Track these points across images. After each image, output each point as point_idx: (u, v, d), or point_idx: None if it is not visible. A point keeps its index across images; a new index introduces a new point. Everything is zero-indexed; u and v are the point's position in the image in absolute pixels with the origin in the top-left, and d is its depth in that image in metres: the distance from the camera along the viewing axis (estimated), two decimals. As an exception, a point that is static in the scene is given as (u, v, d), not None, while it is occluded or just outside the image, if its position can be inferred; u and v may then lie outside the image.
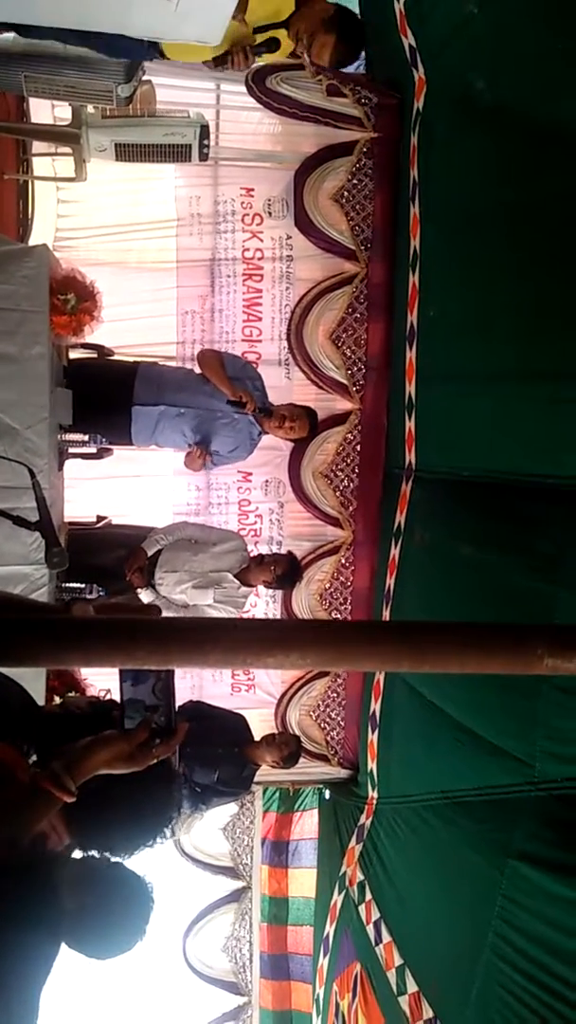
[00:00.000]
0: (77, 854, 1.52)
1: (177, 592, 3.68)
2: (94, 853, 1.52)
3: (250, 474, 4.31)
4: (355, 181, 3.99)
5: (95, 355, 3.95)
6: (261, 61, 3.49)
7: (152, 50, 3.19)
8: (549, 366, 2.49)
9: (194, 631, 1.10)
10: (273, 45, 3.12)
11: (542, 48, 2.48)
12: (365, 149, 3.93)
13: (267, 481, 4.33)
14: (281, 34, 3.14)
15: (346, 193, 4.01)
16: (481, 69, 2.85)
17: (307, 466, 4.21)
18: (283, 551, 4.24)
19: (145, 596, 3.69)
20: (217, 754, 3.72)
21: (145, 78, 3.65)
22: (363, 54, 3.93)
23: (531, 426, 2.64)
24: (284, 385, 4.23)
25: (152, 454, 4.21)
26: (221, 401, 3.71)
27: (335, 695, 4.33)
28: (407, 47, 3.36)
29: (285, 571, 3.83)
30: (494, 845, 2.69)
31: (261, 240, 4.19)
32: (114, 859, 1.54)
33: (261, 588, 4.07)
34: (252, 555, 3.92)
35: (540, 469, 2.64)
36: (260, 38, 3.12)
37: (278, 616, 4.32)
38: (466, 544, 3.08)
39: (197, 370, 3.87)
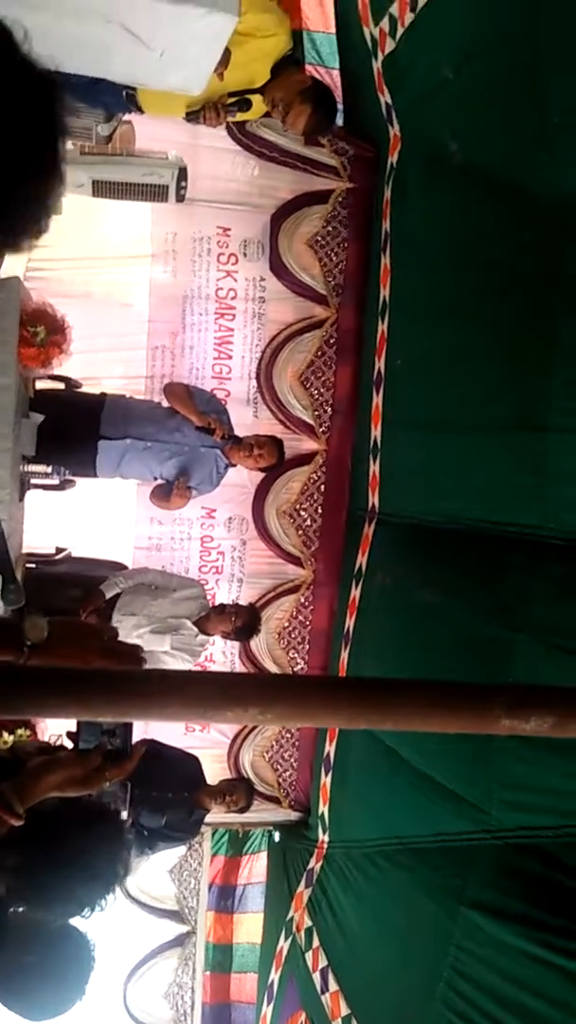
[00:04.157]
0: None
1: (133, 636, 3.62)
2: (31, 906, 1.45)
3: (214, 510, 4.31)
4: (330, 228, 4.08)
5: (62, 386, 3.94)
6: (233, 120, 3.54)
7: (130, 103, 3.24)
8: (511, 416, 2.55)
9: (153, 683, 1.08)
10: (245, 105, 3.17)
11: (512, 116, 2.59)
12: (340, 198, 4.03)
13: (231, 518, 4.33)
14: (255, 98, 3.19)
15: (320, 239, 4.10)
16: (454, 131, 2.96)
17: (271, 504, 4.23)
18: (243, 589, 4.24)
19: None
20: (167, 798, 3.65)
21: (125, 118, 3.71)
22: (340, 106, 4.05)
23: (493, 475, 2.70)
24: (252, 423, 4.26)
25: (115, 485, 4.18)
26: (188, 435, 3.71)
27: (289, 736, 4.30)
28: (383, 104, 3.47)
29: (245, 623, 3.78)
30: (448, 892, 2.68)
31: (235, 280, 4.24)
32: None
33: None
34: (213, 604, 3.89)
35: (500, 517, 2.70)
36: (234, 98, 3.16)
37: (235, 656, 4.29)
38: (426, 589, 3.11)
39: (165, 404, 3.87)
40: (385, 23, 3.22)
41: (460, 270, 2.92)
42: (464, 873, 2.63)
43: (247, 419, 4.25)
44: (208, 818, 4.02)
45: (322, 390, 4.18)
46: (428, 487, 3.21)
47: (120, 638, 3.68)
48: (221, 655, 4.30)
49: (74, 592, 3.64)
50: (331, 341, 4.14)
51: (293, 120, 3.36)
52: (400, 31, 3.13)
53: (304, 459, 4.21)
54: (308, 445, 4.23)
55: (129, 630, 3.62)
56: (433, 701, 1.07)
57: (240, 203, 4.19)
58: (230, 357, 4.29)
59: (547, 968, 2.24)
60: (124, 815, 1.64)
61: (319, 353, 4.17)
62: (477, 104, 2.82)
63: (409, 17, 3.04)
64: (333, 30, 3.93)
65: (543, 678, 2.42)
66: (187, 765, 3.86)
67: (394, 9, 3.11)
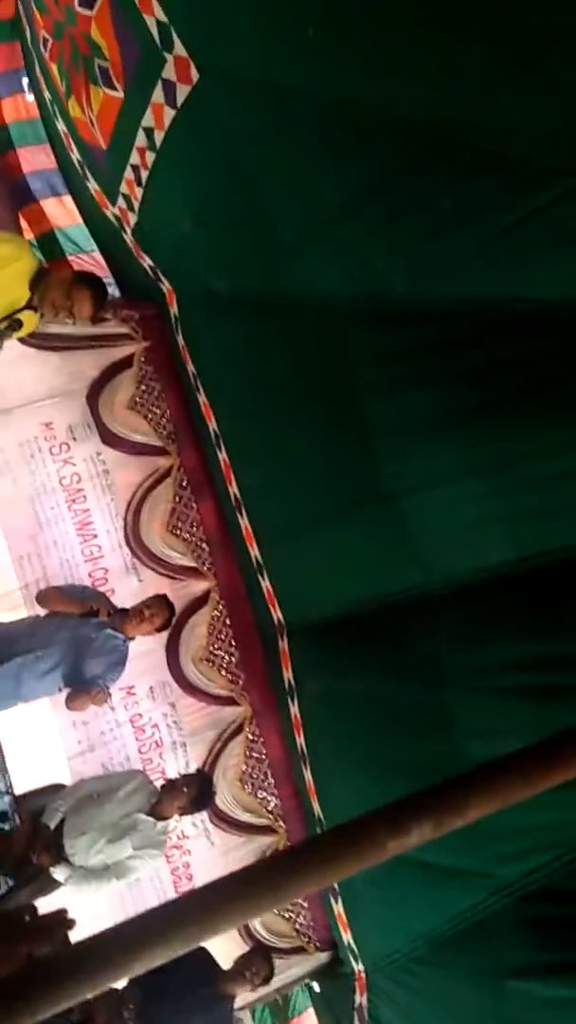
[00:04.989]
0: None
1: (93, 856, 3.43)
2: None
3: (132, 686, 4.21)
4: (144, 387, 4.26)
5: None
6: (10, 342, 3.68)
7: None
8: (359, 496, 2.68)
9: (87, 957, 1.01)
10: (17, 326, 3.33)
11: (256, 244, 2.85)
12: (143, 358, 4.23)
13: (151, 687, 4.23)
14: (24, 315, 3.34)
15: (139, 399, 4.25)
16: (213, 271, 3.21)
17: (185, 656, 4.18)
18: (190, 752, 4.11)
19: (60, 873, 3.41)
20: (186, 1007, 3.36)
21: None
22: (111, 279, 4.32)
23: (365, 553, 2.80)
24: (138, 588, 4.24)
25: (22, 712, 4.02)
26: (75, 628, 3.66)
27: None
28: (147, 267, 3.74)
29: (198, 790, 3.65)
30: (484, 974, 2.58)
31: (74, 464, 4.31)
32: None
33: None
34: (161, 784, 3.74)
35: (388, 588, 2.78)
36: (3, 323, 3.30)
37: (206, 823, 4.10)
38: (351, 680, 3.13)
39: (43, 612, 3.82)
40: (121, 202, 3.51)
41: (266, 387, 3.11)
42: (492, 947, 2.55)
43: (133, 586, 4.23)
44: (241, 1001, 3.73)
45: (192, 530, 4.24)
46: (316, 584, 3.28)
47: (80, 864, 3.45)
48: (192, 827, 4.10)
49: (17, 835, 3.43)
50: (184, 484, 4.24)
51: (79, 310, 3.54)
52: (136, 204, 3.42)
53: (200, 601, 4.21)
54: (199, 586, 4.25)
55: (86, 850, 3.41)
56: (317, 858, 1.07)
57: (54, 395, 4.32)
58: (96, 536, 4.31)
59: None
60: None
61: (177, 499, 4.25)
62: (223, 243, 3.09)
63: (139, 192, 3.33)
64: (80, 221, 4.25)
65: (491, 723, 2.46)
66: (196, 960, 3.56)
67: (123, 188, 3.41)
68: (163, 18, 2.47)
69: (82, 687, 3.63)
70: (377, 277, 2.57)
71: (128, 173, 3.26)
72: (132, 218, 3.52)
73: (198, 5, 2.36)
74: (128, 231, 3.61)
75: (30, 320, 3.37)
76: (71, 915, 1.92)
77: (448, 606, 2.60)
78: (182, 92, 2.62)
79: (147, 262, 3.71)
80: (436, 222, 2.28)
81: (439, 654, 2.61)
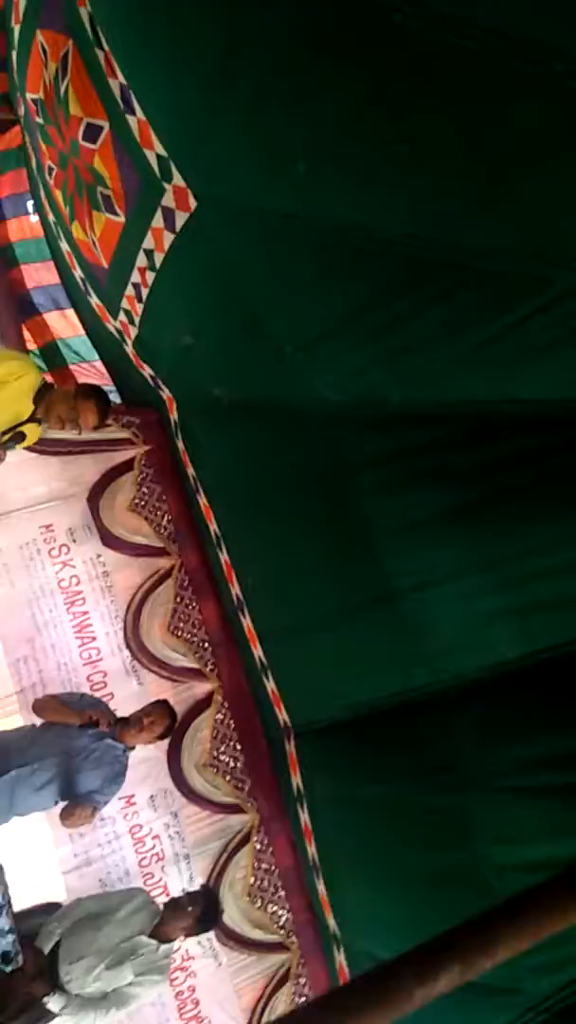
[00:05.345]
0: None
1: (91, 983, 3.22)
2: None
3: (132, 796, 4.08)
4: (144, 489, 4.31)
5: None
6: (13, 453, 3.77)
7: None
8: (361, 598, 2.69)
9: None
10: (20, 438, 3.41)
11: (254, 355, 2.96)
12: (143, 461, 4.30)
13: (152, 796, 4.10)
14: (27, 428, 3.43)
15: (139, 501, 4.30)
16: (212, 380, 3.31)
17: (187, 762, 4.07)
18: (194, 864, 3.95)
19: (55, 1003, 3.21)
20: None
21: None
22: (112, 387, 4.44)
23: (371, 654, 2.79)
24: (138, 691, 4.18)
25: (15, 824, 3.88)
26: (74, 738, 3.58)
27: (302, 997, 3.87)
28: (147, 376, 3.85)
29: (205, 909, 3.48)
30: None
31: (73, 567, 4.32)
32: None
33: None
34: (163, 903, 3.57)
35: (395, 688, 2.75)
36: (6, 436, 3.39)
37: (212, 941, 3.90)
38: (363, 784, 3.05)
39: (39, 722, 3.75)
40: (122, 316, 3.65)
41: (266, 490, 3.16)
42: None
43: (133, 689, 4.17)
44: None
45: (194, 631, 4.21)
46: (322, 685, 3.24)
47: (77, 992, 3.24)
48: (197, 947, 3.90)
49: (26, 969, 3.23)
50: (185, 584, 4.24)
51: (84, 420, 3.63)
52: (137, 318, 3.55)
53: (203, 704, 4.14)
54: (202, 688, 4.18)
55: (83, 977, 3.20)
56: (343, 1013, 1.02)
57: (54, 499, 4.37)
58: (94, 638, 4.27)
59: None
60: None
61: (178, 599, 4.24)
62: (221, 355, 3.20)
63: (139, 307, 3.47)
64: (82, 332, 4.40)
65: (512, 827, 2.39)
66: None
67: (124, 304, 3.55)
68: (162, 152, 2.63)
69: (79, 801, 3.52)
70: (371, 385, 2.66)
71: (129, 290, 3.40)
72: (133, 331, 3.65)
73: (194, 142, 2.52)
74: (129, 343, 3.73)
75: (33, 432, 3.45)
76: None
77: (460, 704, 2.57)
78: (181, 218, 2.76)
79: (147, 371, 3.82)
80: (424, 334, 2.39)
81: (453, 755, 2.56)
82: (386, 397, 2.62)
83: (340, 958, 3.54)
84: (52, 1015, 3.27)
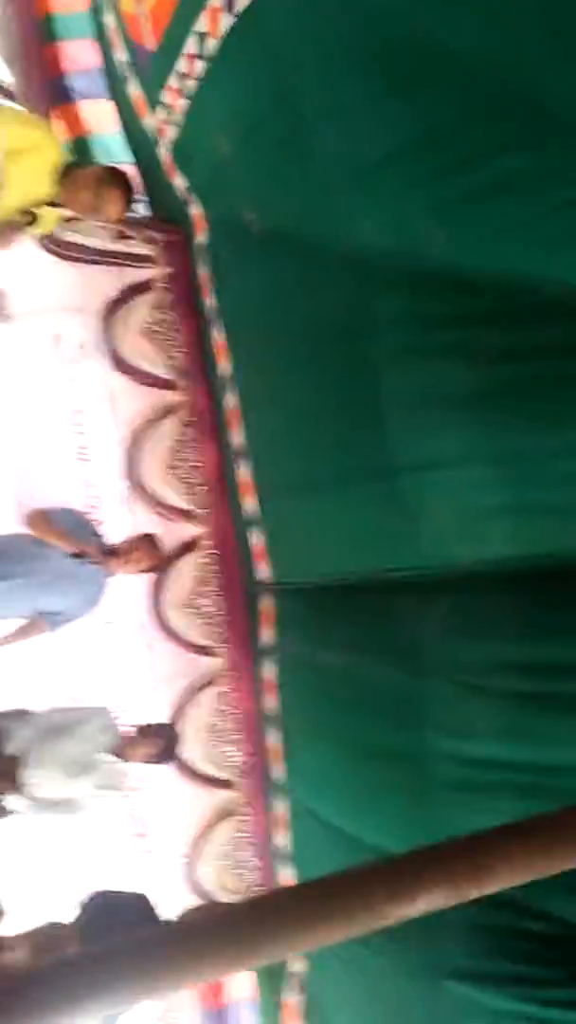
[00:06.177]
0: None
1: (50, 789, 3.36)
2: None
3: (111, 621, 4.12)
4: (160, 315, 4.05)
5: None
6: (30, 245, 3.51)
7: None
8: (363, 467, 2.52)
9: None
10: (32, 219, 3.14)
11: (295, 179, 2.63)
12: (163, 284, 4.01)
13: (130, 625, 4.14)
14: (42, 211, 3.16)
15: (154, 327, 4.05)
16: (247, 200, 2.99)
17: (166, 600, 4.08)
18: (159, 696, 4.03)
19: (14, 803, 3.35)
20: None
21: None
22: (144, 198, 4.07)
23: (363, 525, 2.65)
24: (128, 522, 4.13)
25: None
26: (60, 558, 3.54)
27: (243, 834, 4.06)
28: (179, 187, 3.50)
29: (164, 743, 3.60)
30: (426, 969, 2.51)
31: (80, 384, 4.15)
32: None
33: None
34: (131, 730, 3.67)
35: (381, 565, 2.64)
36: (19, 217, 3.13)
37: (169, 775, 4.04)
38: (329, 650, 3.01)
39: (28, 531, 3.70)
40: (161, 112, 3.26)
41: (285, 333, 2.92)
42: (440, 944, 2.47)
43: (123, 519, 4.11)
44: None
45: (191, 473, 4.08)
46: (309, 548, 3.14)
47: (35, 792, 3.39)
48: (152, 772, 4.04)
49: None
50: (188, 423, 4.07)
51: (108, 209, 3.36)
52: (176, 117, 3.17)
53: (189, 546, 4.09)
54: (191, 531, 4.12)
55: (44, 782, 3.35)
56: (299, 913, 0.89)
57: (67, 308, 4.13)
58: (92, 461, 4.17)
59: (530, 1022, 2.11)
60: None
61: (180, 437, 4.09)
62: (262, 172, 2.86)
63: (181, 104, 3.09)
64: (116, 129, 3.98)
65: (462, 721, 2.34)
66: (138, 906, 3.50)
67: (166, 97, 3.16)
68: None
69: (44, 619, 3.55)
70: (415, 235, 2.36)
71: (173, 80, 3.02)
72: (170, 131, 3.27)
73: None
74: (164, 145, 3.36)
75: (49, 218, 3.18)
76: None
77: (441, 594, 2.46)
78: (242, -1, 2.38)
79: (180, 182, 3.46)
80: (489, 185, 2.07)
81: (423, 642, 2.48)
82: (427, 252, 2.32)
83: (282, 807, 3.65)
84: (8, 813, 3.43)
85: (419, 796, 2.50)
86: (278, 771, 3.64)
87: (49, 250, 3.89)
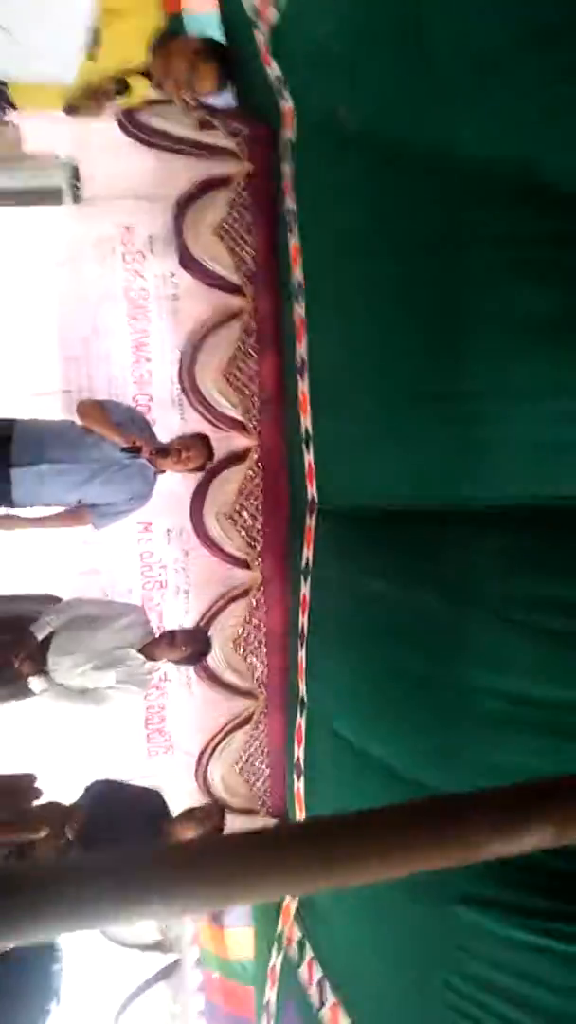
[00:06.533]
0: None
1: (75, 676, 3.42)
2: None
3: (150, 524, 4.12)
4: (235, 214, 3.91)
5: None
6: (109, 125, 3.39)
7: (1, 101, 3.05)
8: (430, 389, 2.43)
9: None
10: (123, 87, 3.02)
11: (402, 77, 2.45)
12: (242, 181, 3.86)
13: (169, 529, 4.15)
14: (134, 80, 3.04)
15: (227, 227, 3.92)
16: (345, 95, 2.81)
17: (210, 508, 4.06)
18: (191, 601, 4.06)
19: (36, 684, 3.42)
20: (124, 840, 3.42)
21: (6, 119, 3.51)
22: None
23: (420, 450, 2.57)
24: (179, 426, 4.09)
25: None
26: (110, 449, 3.52)
27: (258, 743, 4.14)
28: (272, 77, 3.32)
29: (195, 650, 3.63)
30: (434, 893, 2.54)
31: (144, 278, 4.06)
32: None
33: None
34: (161, 633, 3.71)
35: (434, 492, 2.57)
36: (110, 83, 3.01)
37: (190, 671, 4.10)
38: (371, 576, 2.97)
39: (79, 420, 3.67)
40: (264, -10, 3.07)
41: (367, 242, 2.78)
42: (451, 869, 2.49)
43: (174, 422, 4.07)
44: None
45: (247, 383, 4.01)
46: (363, 470, 3.07)
47: (60, 681, 3.44)
48: (176, 672, 4.12)
49: (2, 637, 3.42)
50: (250, 331, 3.98)
51: (201, 82, 3.24)
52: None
53: (238, 457, 4.04)
54: (240, 442, 4.07)
55: (69, 670, 3.41)
56: (394, 841, 0.83)
57: (140, 197, 4.00)
58: (149, 360, 4.11)
59: (544, 954, 2.12)
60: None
61: (240, 345, 4.00)
62: (365, 65, 2.67)
63: (286, -18, 2.90)
64: (213, 8, 3.77)
65: (502, 655, 2.30)
66: (149, 800, 3.61)
67: (270, -24, 2.96)
68: None
69: (91, 510, 3.55)
70: (524, 143, 2.19)
71: (281, -43, 2.83)
72: (271, 14, 3.08)
73: None
74: (263, 28, 3.17)
75: (140, 87, 3.06)
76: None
77: (494, 527, 2.38)
78: None
79: (274, 71, 3.28)
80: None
81: (470, 573, 2.42)
82: (536, 163, 2.16)
83: (301, 721, 3.70)
84: (31, 694, 3.51)
85: (446, 723, 2.48)
86: (301, 686, 3.68)
87: (129, 132, 3.74)
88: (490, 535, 2.35)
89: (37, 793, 1.45)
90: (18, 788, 1.44)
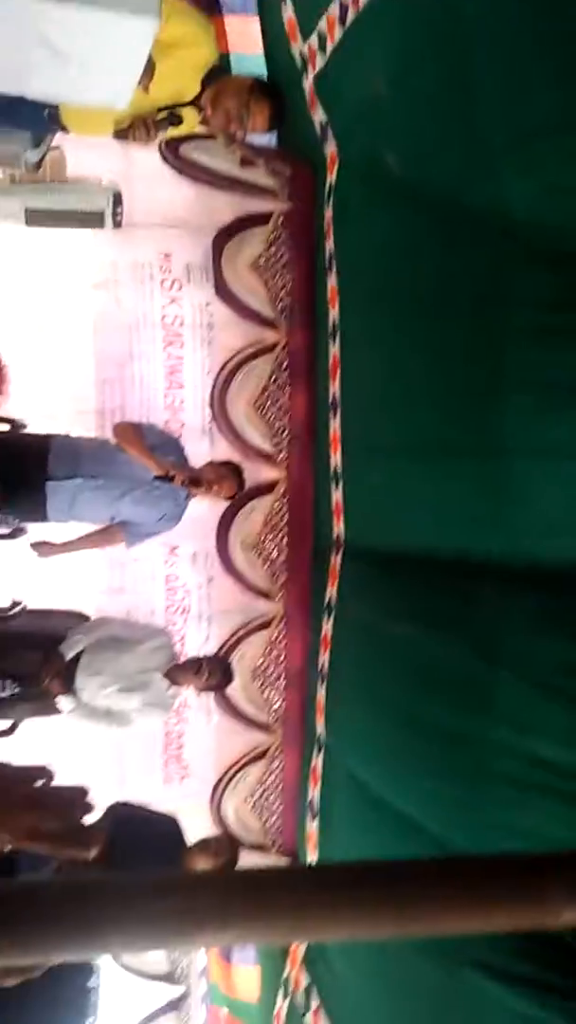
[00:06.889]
0: None
1: (101, 697, 3.45)
2: None
3: (177, 547, 4.15)
4: (273, 250, 3.96)
5: (6, 429, 3.76)
6: (165, 137, 3.44)
7: (52, 123, 3.11)
8: (468, 442, 2.44)
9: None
10: (176, 120, 3.07)
11: (448, 132, 2.48)
12: (281, 219, 3.91)
13: (195, 554, 4.17)
14: (185, 112, 3.09)
15: (264, 262, 3.97)
16: (391, 147, 2.84)
17: (235, 536, 4.08)
18: (213, 628, 4.08)
19: (65, 704, 3.46)
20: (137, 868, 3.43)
21: (54, 143, 3.57)
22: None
23: (456, 501, 2.58)
24: (208, 454, 4.12)
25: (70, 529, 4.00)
26: (142, 470, 3.57)
27: (272, 779, 4.13)
28: (317, 123, 3.36)
29: (220, 679, 3.66)
30: (446, 952, 2.52)
31: (180, 306, 4.11)
32: None
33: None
34: (187, 660, 3.74)
35: (467, 545, 2.57)
36: (162, 113, 3.06)
37: (210, 699, 4.10)
38: (398, 621, 2.98)
39: (114, 440, 3.72)
40: (314, 39, 3.11)
41: (407, 291, 2.80)
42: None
43: (203, 450, 4.11)
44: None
45: (278, 416, 4.04)
46: (392, 514, 3.08)
47: (86, 701, 3.48)
48: (196, 699, 4.12)
49: (32, 656, 3.46)
50: (283, 365, 4.01)
51: (253, 120, 3.28)
52: (330, 46, 3.02)
53: (265, 489, 4.07)
54: (268, 474, 4.09)
55: (95, 691, 3.44)
56: (472, 894, 0.80)
57: (179, 227, 4.05)
58: (181, 387, 4.15)
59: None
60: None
61: (272, 378, 4.04)
62: (413, 119, 2.70)
63: (339, 32, 2.93)
64: (260, 51, 3.82)
65: (527, 716, 2.29)
66: (167, 827, 3.61)
67: (322, 25, 3.00)
68: None
69: (122, 528, 3.59)
70: (569, 209, 2.22)
71: (333, 8, 2.87)
72: (320, 61, 3.13)
73: None
74: (310, 75, 3.22)
75: (190, 119, 3.11)
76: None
77: (528, 586, 2.38)
78: None
79: (319, 116, 3.32)
80: None
81: (501, 632, 2.42)
82: (579, 229, 2.18)
83: (317, 761, 3.70)
84: (56, 711, 3.54)
85: (467, 778, 2.47)
86: (319, 725, 3.67)
87: (172, 164, 3.81)
88: (522, 593, 2.35)
89: (89, 808, 1.47)
90: (74, 801, 1.44)
